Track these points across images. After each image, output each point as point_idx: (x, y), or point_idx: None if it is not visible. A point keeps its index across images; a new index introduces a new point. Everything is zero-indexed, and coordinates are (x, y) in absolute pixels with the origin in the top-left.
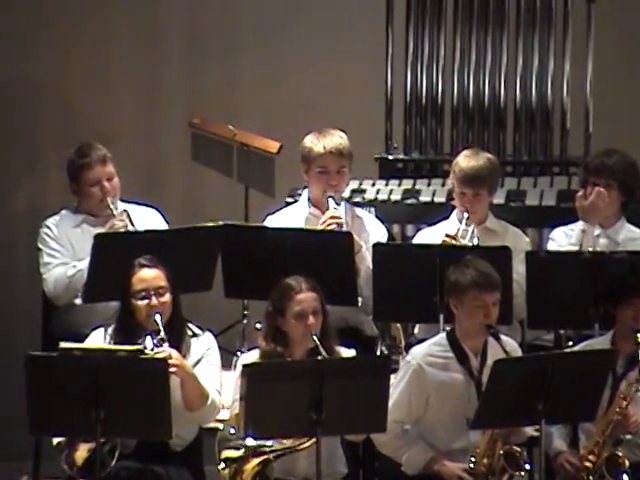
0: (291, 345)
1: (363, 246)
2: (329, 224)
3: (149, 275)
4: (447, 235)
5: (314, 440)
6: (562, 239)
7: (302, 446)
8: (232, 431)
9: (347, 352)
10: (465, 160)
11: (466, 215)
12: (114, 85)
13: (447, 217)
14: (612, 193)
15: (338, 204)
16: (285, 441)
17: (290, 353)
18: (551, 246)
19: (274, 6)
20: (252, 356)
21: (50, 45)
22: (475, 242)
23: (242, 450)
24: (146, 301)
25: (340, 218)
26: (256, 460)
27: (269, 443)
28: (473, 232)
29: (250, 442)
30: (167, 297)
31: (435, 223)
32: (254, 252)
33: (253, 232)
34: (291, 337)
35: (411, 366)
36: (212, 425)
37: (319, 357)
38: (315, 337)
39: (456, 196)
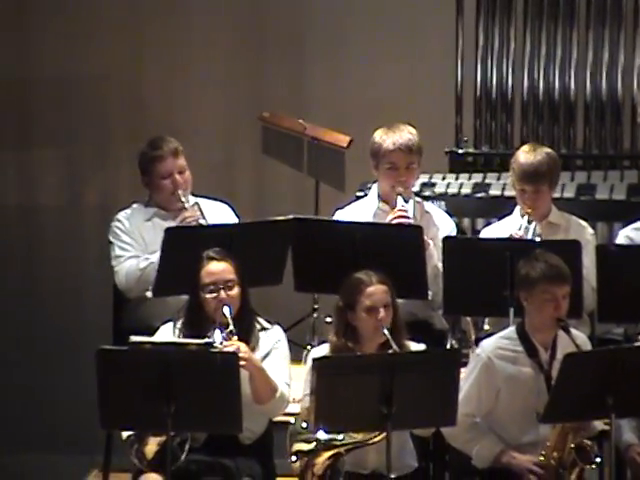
0: (362, 340)
1: (430, 243)
2: (398, 221)
3: (218, 268)
4: (511, 236)
5: (385, 434)
6: (633, 234)
7: (373, 440)
8: (304, 425)
9: (417, 346)
10: (524, 156)
11: (529, 211)
12: (185, 80)
13: (510, 212)
14: None
15: (407, 201)
16: (356, 435)
17: (361, 348)
18: (619, 240)
19: (346, 2)
20: (322, 350)
21: (121, 41)
22: (537, 240)
23: (313, 444)
24: (215, 294)
25: (408, 217)
26: (327, 453)
27: (340, 437)
28: (535, 229)
29: (322, 436)
30: (236, 290)
31: (503, 217)
32: (324, 246)
33: (323, 226)
34: (361, 332)
35: (481, 359)
36: (282, 419)
37: (389, 351)
38: (386, 331)
39: (517, 193)
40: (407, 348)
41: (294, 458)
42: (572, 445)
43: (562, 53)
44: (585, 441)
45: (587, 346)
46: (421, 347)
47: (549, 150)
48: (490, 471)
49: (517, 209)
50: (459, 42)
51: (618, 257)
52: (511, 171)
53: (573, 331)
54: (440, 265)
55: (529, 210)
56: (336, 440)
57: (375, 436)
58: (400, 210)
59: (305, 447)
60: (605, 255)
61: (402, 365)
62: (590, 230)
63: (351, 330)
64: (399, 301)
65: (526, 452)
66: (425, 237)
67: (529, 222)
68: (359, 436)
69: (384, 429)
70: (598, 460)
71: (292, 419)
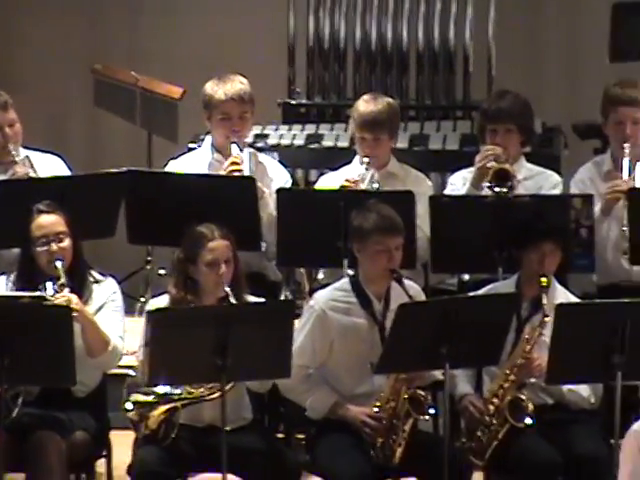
0: (201, 293)
1: (266, 192)
2: (231, 170)
3: (48, 221)
4: (347, 180)
5: (219, 392)
6: (460, 183)
7: (211, 396)
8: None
9: (257, 300)
10: (364, 105)
11: (366, 160)
12: (15, 33)
13: (350, 162)
14: (513, 136)
15: (241, 150)
16: (194, 390)
17: (200, 301)
18: (449, 190)
19: None
20: (162, 302)
21: None
22: (375, 187)
23: (152, 396)
24: (46, 247)
25: (241, 164)
26: (163, 407)
27: (178, 391)
28: (373, 177)
29: (160, 389)
30: (67, 242)
31: (338, 168)
32: (157, 198)
33: (156, 178)
34: (202, 285)
35: (315, 311)
36: (117, 371)
37: (224, 303)
38: (227, 288)
39: (357, 141)
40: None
41: (130, 406)
42: (406, 396)
43: (394, 3)
44: (419, 392)
45: (421, 297)
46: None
47: (389, 99)
48: (324, 422)
49: (356, 158)
50: None
51: (450, 208)
52: (351, 119)
53: (406, 282)
54: (275, 214)
55: (367, 158)
56: (174, 394)
57: (213, 392)
58: (234, 159)
59: (143, 399)
60: (438, 206)
61: (236, 317)
62: (429, 182)
63: (191, 283)
64: None
65: (360, 403)
66: (260, 185)
67: (367, 169)
68: (197, 391)
69: (219, 381)
70: (432, 411)
71: (130, 371)
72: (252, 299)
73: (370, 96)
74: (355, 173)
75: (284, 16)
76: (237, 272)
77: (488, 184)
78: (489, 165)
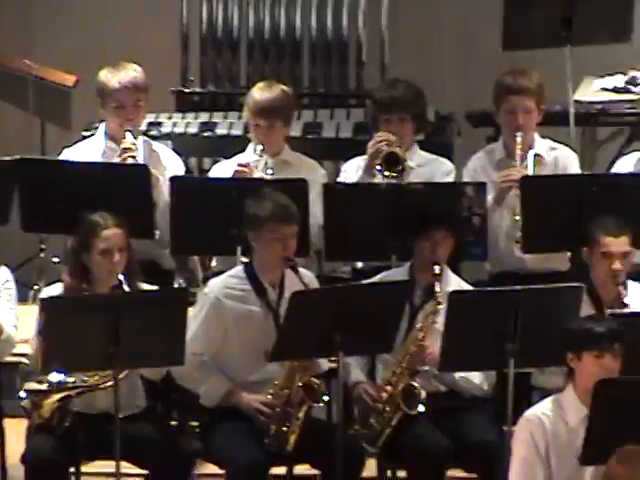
0: (95, 281)
1: (160, 179)
2: (125, 157)
3: None
4: (239, 164)
5: (112, 381)
6: (353, 171)
7: (105, 385)
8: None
9: (150, 289)
10: (258, 92)
11: (260, 147)
12: None
13: (243, 150)
14: (406, 125)
15: (135, 137)
16: (88, 378)
17: (94, 289)
18: (342, 178)
19: None
20: (56, 290)
21: None
22: (269, 172)
23: (45, 385)
24: None
25: (135, 149)
26: (57, 396)
27: (72, 379)
28: (267, 163)
29: (54, 378)
30: None
31: (231, 156)
32: (50, 186)
33: (49, 166)
34: (95, 273)
35: (209, 299)
36: (11, 359)
37: (117, 291)
38: (121, 276)
39: (251, 128)
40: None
41: (23, 395)
42: (300, 383)
43: None
44: (313, 379)
45: (314, 284)
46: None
47: (284, 87)
48: (218, 410)
49: (250, 145)
50: None
51: (344, 196)
52: (246, 106)
53: (301, 270)
54: (168, 200)
55: (262, 145)
56: (68, 383)
57: (107, 381)
58: (128, 148)
59: (37, 387)
60: (331, 194)
61: (130, 305)
62: (322, 170)
63: (85, 271)
64: None
65: (254, 391)
66: (155, 172)
67: (261, 156)
68: (92, 379)
69: (113, 368)
70: (326, 398)
71: (23, 359)
72: (146, 287)
73: (265, 83)
74: (249, 159)
75: (177, 5)
76: (130, 260)
77: (378, 167)
78: (380, 150)
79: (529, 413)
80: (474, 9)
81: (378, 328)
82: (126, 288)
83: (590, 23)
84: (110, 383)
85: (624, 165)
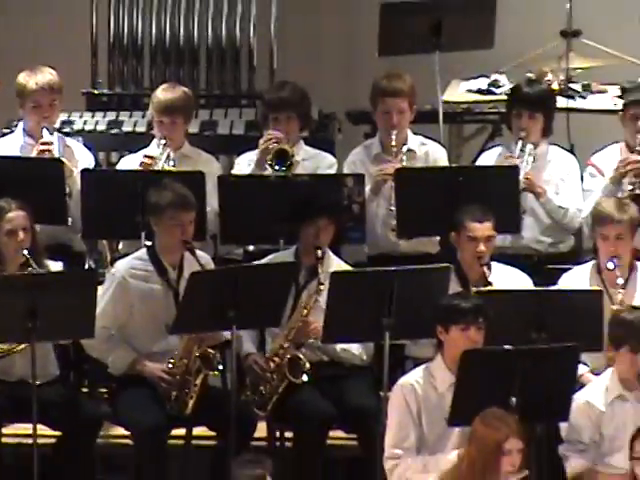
0: (4, 260)
1: (74, 171)
2: (42, 151)
3: None
4: (145, 156)
5: (26, 345)
6: (245, 164)
7: (17, 349)
8: None
9: (55, 265)
10: (162, 92)
11: (163, 141)
12: None
13: (146, 145)
14: (293, 123)
15: (51, 134)
16: (1, 345)
17: (4, 269)
18: (235, 171)
19: None
20: None
21: None
22: (171, 165)
23: None
24: None
25: (51, 145)
26: None
27: None
28: (169, 156)
29: None
30: None
31: (136, 150)
32: None
33: None
34: (4, 253)
35: (116, 278)
36: None
37: (31, 270)
38: (25, 252)
39: (155, 125)
40: (46, 266)
41: None
42: (197, 354)
43: (186, 3)
44: (209, 350)
45: (210, 265)
46: (59, 265)
47: (185, 88)
48: (124, 377)
49: (154, 141)
50: None
51: (237, 186)
52: (151, 105)
53: (198, 252)
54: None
55: (165, 140)
56: None
57: (18, 346)
58: (45, 143)
59: None
60: (225, 185)
61: (45, 284)
62: (217, 164)
63: None
64: (44, 226)
65: (157, 360)
66: (69, 164)
67: (164, 150)
68: (5, 346)
69: (30, 341)
70: (220, 367)
71: None
72: (51, 264)
73: (168, 85)
74: (153, 153)
75: (88, 15)
76: (35, 240)
77: (270, 162)
78: (271, 147)
79: (403, 380)
80: (354, 19)
81: (267, 304)
82: (33, 264)
83: (457, 31)
84: (20, 347)
85: (487, 158)
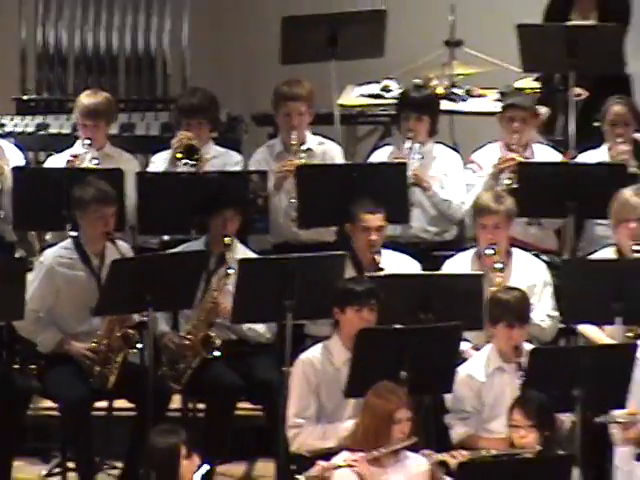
0: None
1: (5, 169)
2: None
3: None
4: (72, 155)
5: None
6: (160, 162)
7: None
8: None
9: None
10: (86, 98)
11: (87, 142)
12: None
13: (71, 145)
14: (203, 126)
15: None
16: None
17: None
18: (152, 168)
19: None
20: None
21: None
22: (95, 163)
23: None
24: None
25: None
26: None
27: None
28: (91, 156)
29: None
30: None
31: (62, 150)
32: None
33: None
34: None
35: (44, 266)
36: None
37: None
38: None
39: (79, 127)
40: None
41: None
42: (118, 334)
43: (107, 16)
44: (129, 330)
45: (130, 254)
46: None
47: (107, 94)
48: (52, 355)
49: (78, 141)
50: (21, 7)
51: (154, 182)
52: (75, 109)
53: (119, 242)
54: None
55: (88, 141)
56: None
57: None
58: None
59: None
60: (143, 180)
61: None
62: (136, 162)
63: None
64: None
65: (82, 340)
66: (1, 162)
67: (87, 151)
68: None
69: None
70: (139, 345)
71: None
72: None
73: (91, 91)
74: (78, 152)
75: (16, 26)
76: None
77: (179, 156)
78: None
79: (303, 356)
80: (258, 31)
81: (181, 288)
82: None
83: (351, 41)
84: None
85: (379, 156)
